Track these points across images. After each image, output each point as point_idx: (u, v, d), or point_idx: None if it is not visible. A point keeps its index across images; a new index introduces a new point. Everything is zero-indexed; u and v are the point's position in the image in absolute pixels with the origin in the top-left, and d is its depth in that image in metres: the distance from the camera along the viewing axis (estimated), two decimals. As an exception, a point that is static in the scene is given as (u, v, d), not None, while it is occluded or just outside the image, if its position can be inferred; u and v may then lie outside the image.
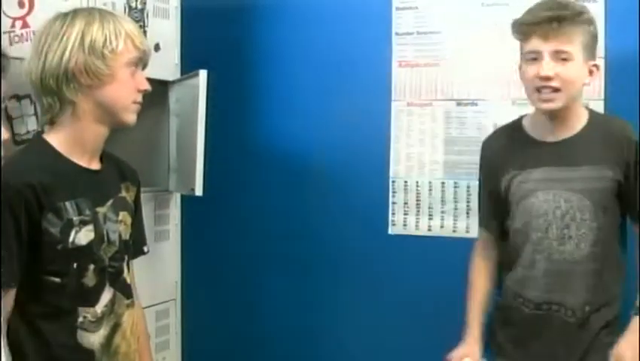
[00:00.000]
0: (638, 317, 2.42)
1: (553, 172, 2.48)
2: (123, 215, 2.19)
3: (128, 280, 2.21)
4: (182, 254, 3.23)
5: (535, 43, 2.40)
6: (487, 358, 2.61)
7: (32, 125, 2.35)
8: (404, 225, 3.30)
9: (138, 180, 2.34)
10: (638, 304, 2.43)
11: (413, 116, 3.28)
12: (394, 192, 3.31)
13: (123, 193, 2.23)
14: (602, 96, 2.99)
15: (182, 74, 3.11)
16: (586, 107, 2.56)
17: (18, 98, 2.31)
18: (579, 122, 2.50)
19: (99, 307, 2.08)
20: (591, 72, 2.44)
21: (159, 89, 2.98)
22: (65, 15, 2.07)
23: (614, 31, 2.97)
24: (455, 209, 3.20)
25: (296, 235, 3.47)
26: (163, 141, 3.12)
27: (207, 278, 3.54)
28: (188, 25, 3.20)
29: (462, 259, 2.80)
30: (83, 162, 2.09)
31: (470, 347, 2.62)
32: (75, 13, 2.07)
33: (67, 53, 2.00)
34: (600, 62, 2.90)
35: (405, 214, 3.29)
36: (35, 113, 2.33)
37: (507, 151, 2.60)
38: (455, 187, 3.21)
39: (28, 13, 2.34)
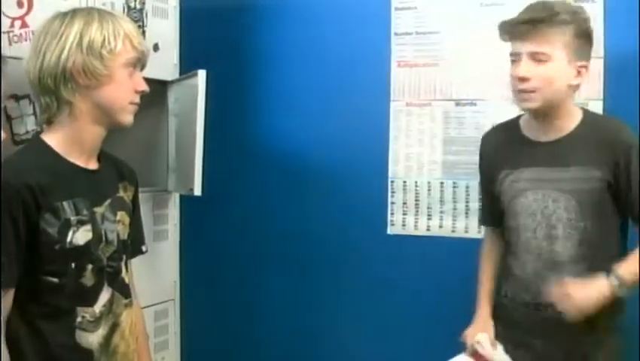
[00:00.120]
0: (607, 277, 2.37)
1: (543, 172, 2.50)
2: (121, 215, 2.18)
3: (126, 280, 2.21)
4: (181, 254, 3.23)
5: (515, 45, 2.45)
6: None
7: (30, 125, 2.35)
8: (403, 225, 3.30)
9: (136, 180, 2.34)
10: (618, 271, 2.38)
11: (412, 116, 3.28)
12: (392, 192, 3.31)
13: (121, 193, 2.22)
14: (601, 96, 2.99)
15: (181, 74, 3.11)
16: (582, 108, 2.57)
17: (17, 98, 2.31)
18: (571, 122, 2.50)
19: (98, 307, 2.08)
20: (579, 73, 2.44)
21: (158, 89, 2.98)
22: (64, 15, 2.06)
23: (612, 32, 2.98)
24: (454, 209, 3.21)
25: (295, 235, 3.48)
26: (161, 140, 3.12)
27: (206, 278, 3.55)
28: (187, 25, 3.20)
29: (461, 259, 2.81)
30: (80, 162, 2.09)
31: (483, 324, 2.64)
32: (74, 13, 2.07)
33: (65, 53, 2.00)
34: (599, 62, 2.94)
35: (404, 214, 3.30)
36: (34, 113, 2.33)
37: (503, 149, 2.62)
38: (454, 187, 3.21)
39: (27, 13, 2.34)
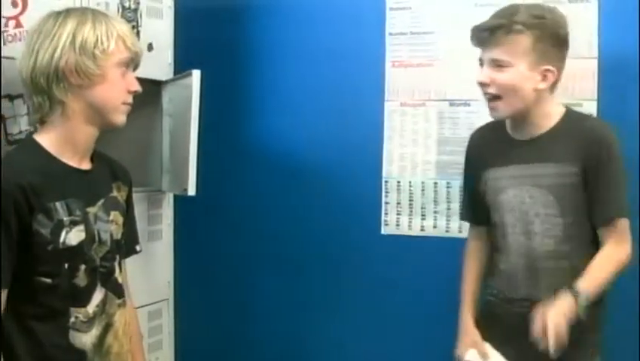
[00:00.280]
0: (569, 292, 2.37)
1: (523, 169, 2.53)
2: (115, 215, 2.18)
3: (119, 280, 2.21)
4: (175, 254, 3.23)
5: (480, 52, 2.52)
6: None
7: (24, 125, 2.35)
8: (397, 225, 3.30)
9: (129, 180, 2.34)
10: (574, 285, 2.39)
11: (406, 116, 3.28)
12: (386, 192, 3.31)
13: (115, 193, 2.22)
14: (595, 96, 2.99)
15: (175, 74, 3.11)
16: (566, 107, 2.59)
17: (11, 97, 2.31)
18: (549, 121, 2.53)
19: (91, 308, 2.08)
20: (545, 77, 2.46)
21: (152, 89, 2.99)
22: (58, 14, 2.06)
23: (607, 32, 2.99)
24: (448, 209, 3.20)
25: (289, 235, 3.48)
26: (156, 140, 3.12)
27: (200, 278, 3.54)
28: (182, 26, 3.20)
29: (455, 259, 2.81)
30: (73, 163, 2.09)
31: (468, 338, 2.66)
32: (68, 12, 2.07)
33: (58, 52, 2.00)
34: (593, 62, 2.95)
35: (398, 214, 3.30)
36: (28, 113, 2.33)
37: (489, 148, 2.67)
38: (448, 187, 3.21)
39: (21, 13, 2.34)
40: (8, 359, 1.97)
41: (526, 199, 2.51)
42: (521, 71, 2.44)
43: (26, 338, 1.99)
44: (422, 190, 3.26)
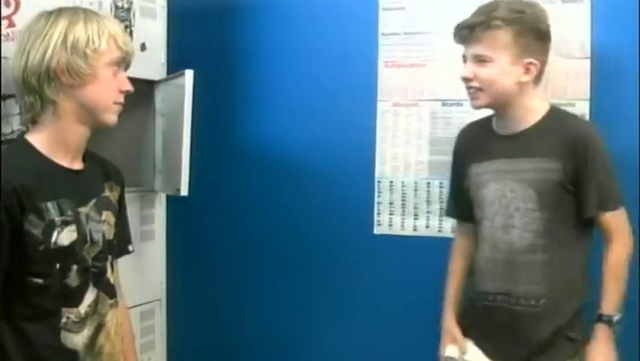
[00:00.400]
0: (602, 324, 2.49)
1: (504, 164, 2.57)
2: (107, 215, 2.18)
3: (112, 280, 2.21)
4: (167, 254, 3.23)
5: (462, 48, 2.59)
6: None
7: (16, 124, 2.34)
8: (390, 225, 3.30)
9: (122, 180, 2.33)
10: (601, 311, 2.50)
11: (399, 116, 3.28)
12: (379, 192, 3.31)
13: (107, 193, 2.22)
14: (588, 96, 2.99)
15: (168, 73, 3.11)
16: (550, 104, 2.63)
17: (3, 97, 2.30)
18: (532, 116, 2.57)
19: (83, 308, 2.08)
20: (528, 70, 2.52)
21: (145, 89, 2.98)
22: (50, 13, 2.07)
23: (599, 32, 2.98)
24: (441, 209, 3.19)
25: (281, 236, 3.47)
26: (148, 140, 3.11)
27: (192, 278, 3.53)
28: (175, 25, 3.20)
29: (448, 259, 2.81)
30: (65, 162, 2.08)
31: (450, 336, 2.72)
32: (60, 12, 2.07)
33: (49, 52, 2.00)
34: (586, 62, 2.95)
35: (391, 214, 3.29)
36: (21, 113, 2.32)
37: (474, 144, 2.72)
38: (441, 187, 3.20)
39: (14, 12, 2.33)
40: (0, 359, 1.97)
41: (507, 193, 2.54)
42: (503, 66, 2.50)
43: (18, 338, 1.99)
44: (415, 190, 3.26)
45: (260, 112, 3.52)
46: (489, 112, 2.70)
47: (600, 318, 2.49)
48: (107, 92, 2.09)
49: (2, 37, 2.29)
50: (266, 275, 3.52)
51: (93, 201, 2.14)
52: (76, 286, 2.05)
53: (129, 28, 2.87)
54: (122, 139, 2.84)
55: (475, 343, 2.65)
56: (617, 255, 2.52)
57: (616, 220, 2.53)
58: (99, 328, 2.13)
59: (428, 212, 3.23)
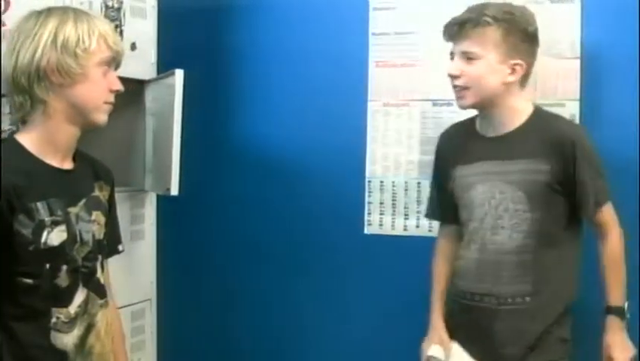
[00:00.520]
0: (613, 316, 2.53)
1: (491, 165, 2.59)
2: (97, 214, 2.18)
3: (102, 280, 2.20)
4: (158, 254, 3.22)
5: (451, 45, 2.62)
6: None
7: (6, 124, 2.33)
8: (380, 225, 3.30)
9: (112, 179, 2.33)
10: (610, 304, 2.54)
11: (390, 116, 3.28)
12: (370, 191, 3.31)
13: (97, 192, 2.22)
14: (578, 96, 3.00)
15: (159, 73, 3.10)
16: (535, 105, 2.65)
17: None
18: (518, 118, 2.60)
19: (73, 308, 2.07)
20: (514, 70, 2.54)
21: (135, 89, 2.98)
22: (39, 13, 2.06)
23: (589, 33, 2.99)
24: (432, 209, 3.20)
25: (272, 235, 3.47)
26: (138, 140, 3.10)
27: (183, 278, 3.53)
28: (165, 25, 3.19)
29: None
30: (55, 162, 2.08)
31: (436, 335, 2.73)
32: (49, 11, 2.07)
33: (39, 51, 2.00)
34: (576, 62, 2.96)
35: (381, 214, 3.30)
36: (11, 113, 2.32)
37: (457, 145, 2.73)
38: (431, 187, 3.21)
39: (4, 12, 2.32)
40: (-11, 359, 1.97)
41: (496, 195, 2.56)
42: (490, 63, 2.52)
43: (7, 338, 1.98)
44: (405, 190, 3.26)
45: (251, 111, 3.52)
46: (474, 112, 2.72)
47: (610, 310, 2.54)
48: (97, 92, 2.08)
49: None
50: (257, 275, 3.52)
51: (83, 201, 2.13)
52: (66, 286, 2.05)
53: (119, 28, 2.87)
54: (112, 139, 2.83)
55: (461, 344, 2.66)
56: (616, 246, 2.58)
57: (609, 214, 2.59)
58: (89, 328, 2.13)
59: (418, 212, 3.23)
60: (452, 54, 2.61)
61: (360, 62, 3.31)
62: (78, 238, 2.08)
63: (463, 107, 2.65)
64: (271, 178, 3.47)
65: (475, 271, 2.61)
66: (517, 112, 2.60)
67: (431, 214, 2.93)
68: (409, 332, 2.99)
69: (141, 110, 3.09)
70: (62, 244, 2.03)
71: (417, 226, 3.23)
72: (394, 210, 3.28)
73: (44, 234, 1.99)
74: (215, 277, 3.57)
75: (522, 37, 2.54)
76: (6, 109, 2.31)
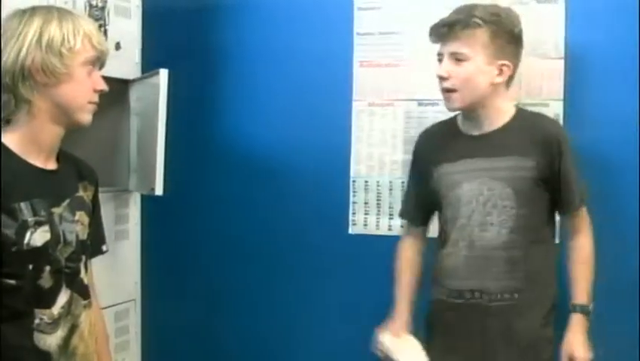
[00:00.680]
0: (578, 314, 2.58)
1: (477, 163, 2.62)
2: (80, 215, 2.16)
3: (85, 281, 2.19)
4: (142, 254, 3.21)
5: (439, 46, 2.63)
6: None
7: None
8: (365, 224, 3.30)
9: (96, 179, 2.32)
10: (576, 302, 2.60)
11: (375, 116, 3.28)
12: (354, 191, 3.31)
13: (81, 193, 2.21)
14: (562, 96, 3.01)
15: (143, 72, 3.10)
16: (516, 106, 2.70)
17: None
18: (502, 117, 2.64)
19: (56, 309, 2.06)
20: (501, 72, 2.58)
21: (119, 88, 2.97)
22: (24, 12, 2.05)
23: (574, 32, 3.00)
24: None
25: (256, 235, 3.47)
26: (123, 140, 3.10)
27: (167, 278, 3.52)
28: (149, 24, 3.18)
29: (422, 258, 2.83)
30: (38, 162, 2.07)
31: (393, 323, 2.80)
32: (34, 11, 2.06)
33: (24, 50, 1.99)
34: (560, 62, 2.97)
35: (366, 214, 3.30)
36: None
37: (440, 144, 2.75)
38: (416, 187, 3.21)
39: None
40: (-29, 361, 1.96)
41: (484, 191, 2.58)
42: (479, 65, 2.55)
43: (-9, 339, 1.97)
44: (390, 190, 3.26)
45: (235, 111, 3.51)
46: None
47: (576, 308, 2.58)
48: (81, 92, 2.08)
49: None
50: (241, 275, 3.52)
51: (67, 201, 2.12)
52: (49, 287, 2.04)
53: (103, 27, 2.86)
54: (96, 138, 2.82)
55: (450, 345, 2.66)
56: (589, 245, 2.64)
57: (585, 213, 2.66)
58: (73, 329, 2.12)
59: (403, 212, 3.23)
60: (440, 55, 2.62)
61: (345, 62, 3.32)
62: (62, 239, 2.07)
63: (451, 110, 2.67)
64: (256, 178, 3.46)
65: (464, 269, 2.63)
66: (502, 111, 2.63)
67: (405, 214, 2.95)
68: (393, 332, 3.00)
69: (125, 110, 3.09)
70: (46, 245, 2.01)
71: (402, 226, 3.23)
72: (378, 210, 3.28)
73: (27, 234, 1.98)
74: (200, 277, 3.57)
75: (508, 38, 2.57)
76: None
